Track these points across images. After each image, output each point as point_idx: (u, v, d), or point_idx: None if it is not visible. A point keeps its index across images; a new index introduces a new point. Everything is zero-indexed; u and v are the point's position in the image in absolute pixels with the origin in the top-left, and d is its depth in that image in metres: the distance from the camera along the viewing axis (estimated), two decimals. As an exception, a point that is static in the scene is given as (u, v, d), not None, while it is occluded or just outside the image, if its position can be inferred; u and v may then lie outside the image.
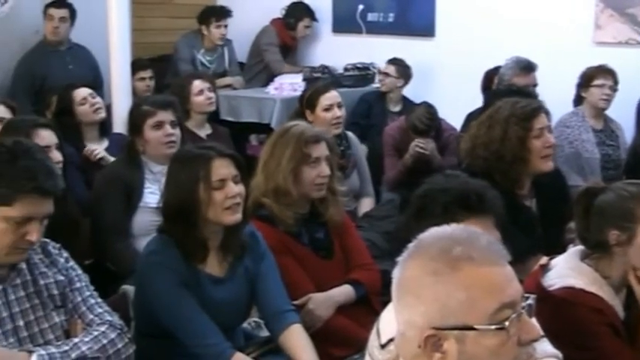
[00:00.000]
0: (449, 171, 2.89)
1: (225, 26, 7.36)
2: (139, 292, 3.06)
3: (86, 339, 2.54)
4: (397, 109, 6.76)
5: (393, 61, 6.81)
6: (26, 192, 2.37)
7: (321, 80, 6.46)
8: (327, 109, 4.90)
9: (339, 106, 4.96)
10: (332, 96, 4.97)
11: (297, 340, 3.02)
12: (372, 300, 3.46)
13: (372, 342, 2.26)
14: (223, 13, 7.38)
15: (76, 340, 2.53)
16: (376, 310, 3.11)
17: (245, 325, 3.30)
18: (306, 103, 4.98)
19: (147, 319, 3.01)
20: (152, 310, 2.95)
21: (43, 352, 2.43)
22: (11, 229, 2.39)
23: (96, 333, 2.57)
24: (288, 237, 3.36)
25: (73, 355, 2.48)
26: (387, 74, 6.78)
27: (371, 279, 3.49)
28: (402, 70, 6.79)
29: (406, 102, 6.77)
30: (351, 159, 5.05)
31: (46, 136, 3.70)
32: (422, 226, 1.81)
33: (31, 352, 2.42)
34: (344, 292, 3.41)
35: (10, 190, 2.36)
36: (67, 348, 2.49)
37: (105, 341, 2.56)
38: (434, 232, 1.73)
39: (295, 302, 3.20)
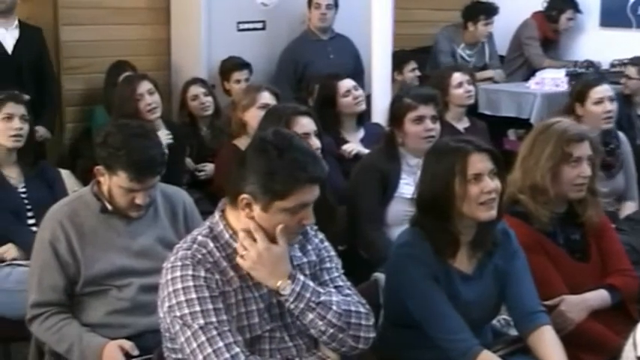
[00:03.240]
0: None
1: (492, 23, 7.29)
2: (390, 283, 3.09)
3: (339, 297, 2.58)
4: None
5: (634, 61, 6.35)
6: (301, 184, 2.45)
7: (585, 76, 6.22)
8: (598, 102, 4.73)
9: (611, 100, 4.76)
10: (603, 89, 4.78)
11: (547, 341, 2.94)
12: (628, 307, 3.30)
13: (627, 353, 2.16)
14: (492, 10, 7.30)
15: (330, 289, 2.60)
16: (632, 317, 2.97)
17: (494, 322, 3.25)
18: (576, 96, 4.83)
19: (396, 309, 3.03)
20: (402, 301, 2.96)
21: (301, 277, 2.52)
22: (288, 217, 2.48)
23: (349, 298, 2.61)
24: (542, 236, 3.26)
25: (322, 298, 2.52)
26: (628, 77, 6.37)
27: (628, 285, 3.33)
28: None
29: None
30: (620, 158, 4.85)
31: (306, 124, 3.78)
32: None
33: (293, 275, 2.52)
34: (599, 296, 3.27)
35: (286, 186, 2.44)
36: (320, 289, 2.54)
37: (353, 308, 2.58)
38: None
39: (547, 303, 3.11)
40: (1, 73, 5.46)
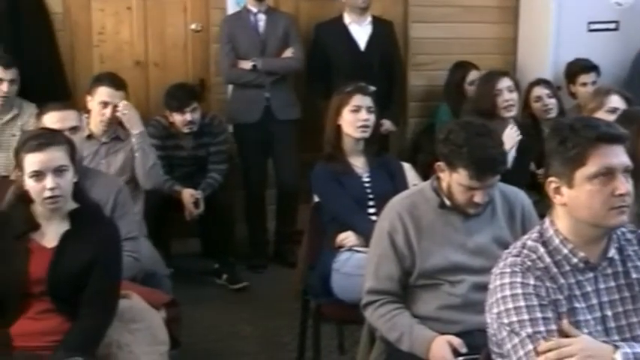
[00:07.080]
0: None
1: None
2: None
3: None
4: None
5: None
6: (593, 143, 2.39)
7: None
8: None
9: None
10: None
11: None
12: None
13: None
14: None
15: None
16: None
17: None
18: None
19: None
20: None
21: (628, 349, 2.36)
22: (597, 188, 2.40)
23: None
24: None
25: None
26: None
27: None
28: None
29: None
30: None
31: None
32: None
33: (616, 347, 2.38)
34: None
35: (578, 148, 2.40)
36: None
37: None
38: None
39: None
40: (353, 69, 5.72)
